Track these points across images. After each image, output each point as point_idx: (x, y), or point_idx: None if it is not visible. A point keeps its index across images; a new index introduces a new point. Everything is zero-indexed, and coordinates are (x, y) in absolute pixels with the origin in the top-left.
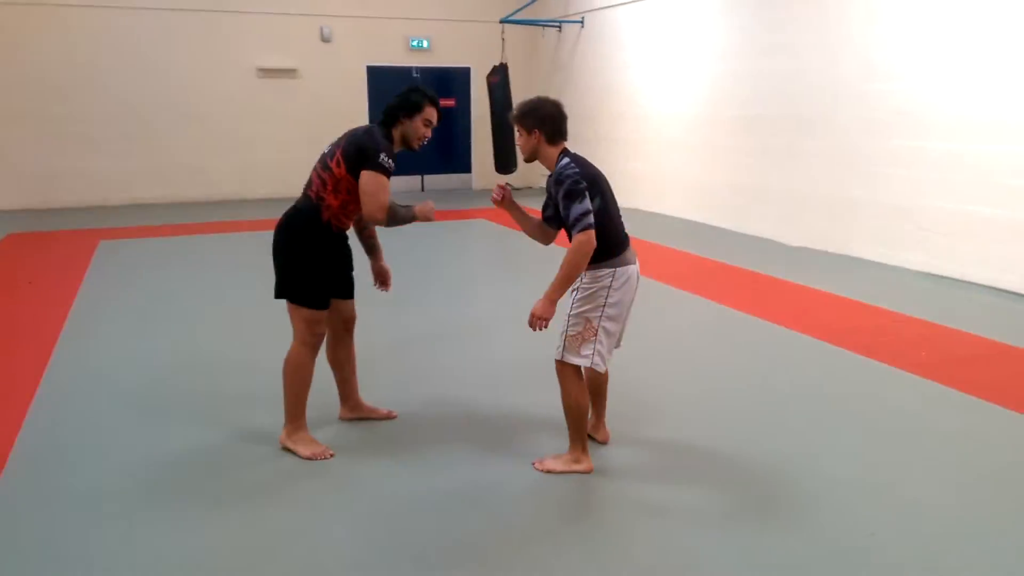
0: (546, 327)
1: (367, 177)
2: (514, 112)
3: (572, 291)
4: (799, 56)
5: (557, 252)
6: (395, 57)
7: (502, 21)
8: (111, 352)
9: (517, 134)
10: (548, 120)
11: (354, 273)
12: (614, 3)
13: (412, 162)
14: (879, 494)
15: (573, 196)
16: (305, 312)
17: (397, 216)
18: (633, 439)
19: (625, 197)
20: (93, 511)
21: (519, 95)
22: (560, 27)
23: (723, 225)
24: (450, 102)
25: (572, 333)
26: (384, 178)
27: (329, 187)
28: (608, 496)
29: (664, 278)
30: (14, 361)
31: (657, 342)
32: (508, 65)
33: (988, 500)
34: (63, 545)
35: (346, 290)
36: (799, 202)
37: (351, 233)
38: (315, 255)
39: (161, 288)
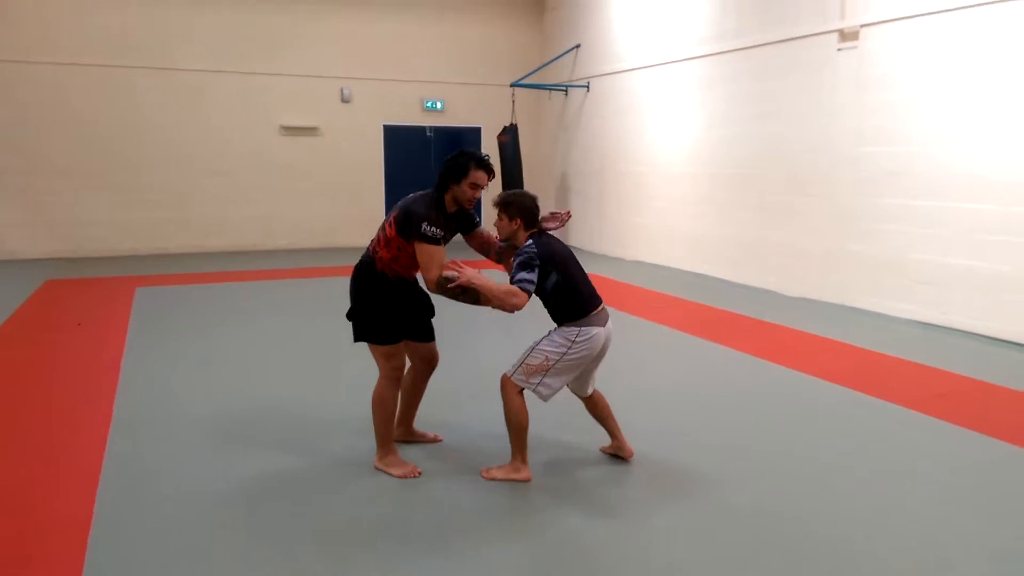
0: (456, 280)
1: (418, 249)
2: (499, 199)
3: (548, 332)
4: (795, 121)
5: None
6: (410, 117)
7: (512, 85)
8: (173, 386)
9: (498, 217)
10: (527, 212)
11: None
12: (618, 70)
13: None
14: (872, 502)
15: (523, 266)
16: (380, 348)
17: (453, 296)
18: (646, 457)
19: (630, 250)
20: (198, 533)
21: (528, 153)
22: (567, 91)
23: (725, 277)
24: None
25: (530, 362)
26: (431, 247)
27: (382, 243)
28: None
29: (671, 323)
30: (84, 395)
31: (666, 378)
32: (517, 125)
33: (965, 507)
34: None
35: (421, 334)
36: (797, 255)
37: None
38: (377, 299)
39: (204, 329)
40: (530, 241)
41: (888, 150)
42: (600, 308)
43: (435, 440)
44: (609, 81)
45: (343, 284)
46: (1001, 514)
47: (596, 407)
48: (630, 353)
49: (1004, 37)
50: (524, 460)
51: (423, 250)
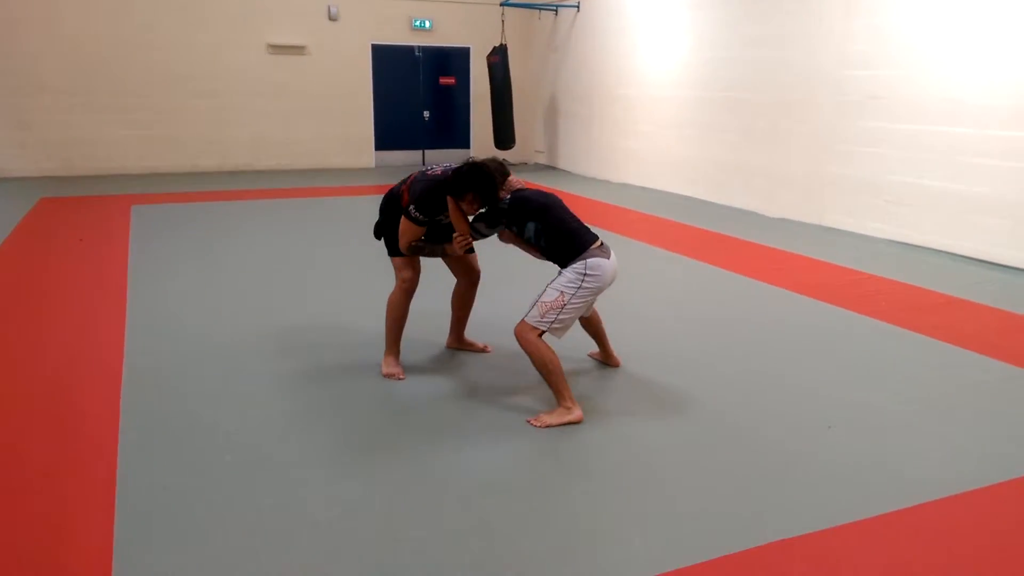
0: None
1: (402, 220)
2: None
3: (557, 274)
4: (781, 45)
5: None
6: (398, 36)
7: (502, 4)
8: (179, 297)
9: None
10: (481, 186)
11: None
12: None
13: (414, 138)
14: (838, 399)
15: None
16: (395, 259)
17: (423, 252)
18: (634, 372)
19: (617, 172)
20: (217, 451)
21: (517, 75)
22: (557, 11)
23: (709, 199)
24: (450, 80)
25: (545, 299)
26: (408, 224)
27: (406, 192)
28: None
29: (658, 243)
30: (96, 307)
31: (653, 293)
32: (507, 46)
33: (926, 407)
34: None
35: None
36: (779, 177)
37: None
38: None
39: (203, 245)
40: (507, 199)
41: (871, 74)
42: (600, 243)
43: (484, 350)
44: (600, 1)
45: (333, 204)
46: (968, 414)
47: (590, 322)
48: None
49: None
50: (572, 399)
51: (404, 224)
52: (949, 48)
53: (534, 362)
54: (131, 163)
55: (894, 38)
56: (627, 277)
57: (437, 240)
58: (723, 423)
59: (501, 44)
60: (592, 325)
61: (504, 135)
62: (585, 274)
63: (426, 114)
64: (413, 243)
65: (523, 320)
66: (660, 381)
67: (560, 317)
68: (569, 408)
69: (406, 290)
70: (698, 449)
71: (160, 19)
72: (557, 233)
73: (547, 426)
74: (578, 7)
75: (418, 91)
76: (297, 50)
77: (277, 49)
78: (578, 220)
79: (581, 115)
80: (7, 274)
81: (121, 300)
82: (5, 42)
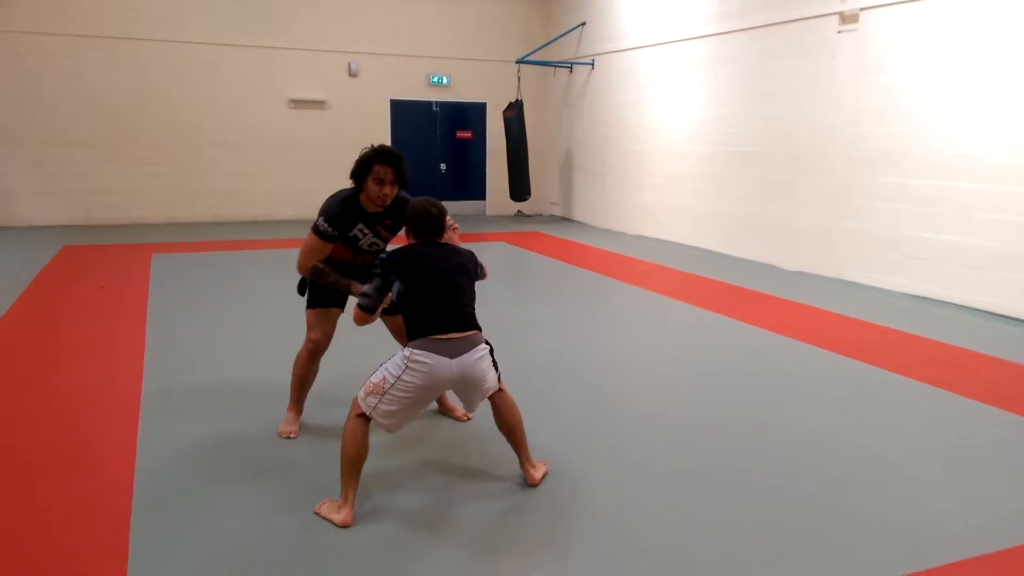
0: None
1: (308, 236)
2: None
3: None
4: (794, 102)
5: (569, 271)
6: (417, 92)
7: (518, 61)
8: (199, 346)
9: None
10: (411, 221)
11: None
12: (623, 48)
13: (430, 190)
14: (857, 454)
15: (371, 278)
16: (307, 314)
17: (326, 279)
18: (646, 425)
19: (632, 225)
20: (225, 469)
21: (533, 129)
22: (572, 68)
23: (726, 251)
24: (467, 134)
25: (372, 379)
26: (314, 238)
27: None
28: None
29: (673, 294)
30: (115, 356)
31: (669, 345)
32: (523, 101)
33: (947, 462)
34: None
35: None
36: (795, 231)
37: None
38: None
39: (223, 294)
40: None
41: (884, 130)
42: (451, 336)
43: (464, 417)
44: (614, 59)
45: None
46: (990, 471)
47: (500, 418)
48: (629, 322)
49: (998, 21)
50: (349, 501)
51: (310, 238)
52: (962, 104)
53: (342, 440)
54: (152, 213)
55: (905, 95)
56: (643, 328)
57: (347, 275)
58: (738, 478)
59: (517, 99)
60: (502, 421)
61: (520, 187)
62: (407, 366)
63: (443, 167)
64: (317, 265)
65: (356, 396)
66: (675, 434)
67: (381, 406)
68: (340, 507)
69: (311, 351)
70: (713, 506)
71: (183, 74)
72: (415, 303)
73: (316, 513)
74: (592, 64)
75: (435, 144)
76: (317, 105)
77: (298, 104)
78: (456, 297)
79: (596, 168)
80: (30, 320)
81: (140, 347)
82: (30, 95)
